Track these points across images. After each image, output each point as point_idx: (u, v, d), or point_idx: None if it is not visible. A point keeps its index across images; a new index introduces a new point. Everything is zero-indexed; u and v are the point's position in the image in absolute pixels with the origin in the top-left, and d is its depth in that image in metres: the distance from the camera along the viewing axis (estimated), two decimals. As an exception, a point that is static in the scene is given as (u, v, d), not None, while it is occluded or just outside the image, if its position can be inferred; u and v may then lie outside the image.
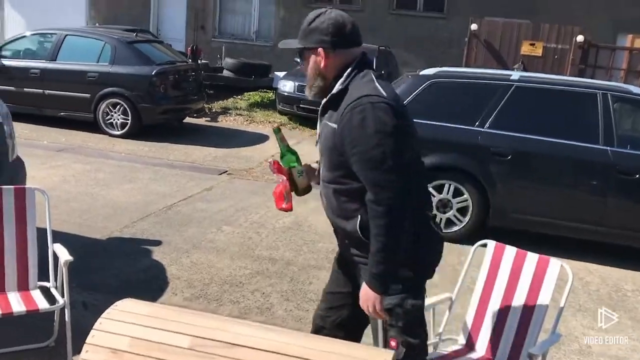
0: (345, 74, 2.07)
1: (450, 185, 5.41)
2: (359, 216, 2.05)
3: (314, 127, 10.29)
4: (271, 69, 13.71)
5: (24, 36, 9.81)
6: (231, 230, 5.29)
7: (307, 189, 2.32)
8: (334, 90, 2.08)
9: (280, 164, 2.28)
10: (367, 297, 2.05)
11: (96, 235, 4.88)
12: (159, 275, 4.24)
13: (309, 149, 9.29)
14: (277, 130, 2.34)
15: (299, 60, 2.21)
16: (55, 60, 9.08)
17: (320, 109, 2.19)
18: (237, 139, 9.60)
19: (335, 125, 2.03)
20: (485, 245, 2.87)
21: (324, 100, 2.15)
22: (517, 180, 5.36)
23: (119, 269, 4.27)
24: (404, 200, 1.94)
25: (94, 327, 1.89)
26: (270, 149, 9.02)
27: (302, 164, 2.31)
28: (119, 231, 5.03)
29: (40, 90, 9.05)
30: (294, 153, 2.31)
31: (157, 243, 4.84)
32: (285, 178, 2.27)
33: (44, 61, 9.14)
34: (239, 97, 12.94)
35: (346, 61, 2.08)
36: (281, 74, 12.33)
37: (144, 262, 4.45)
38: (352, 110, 1.96)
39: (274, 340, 1.81)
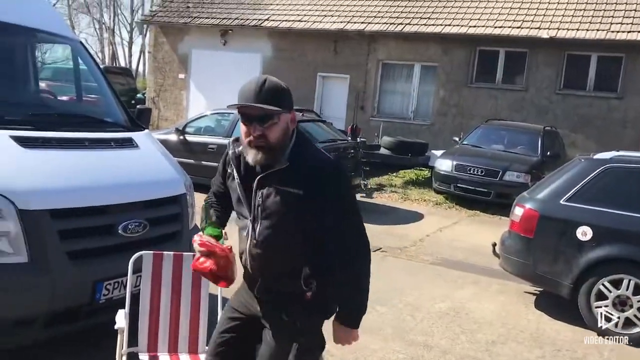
0: (294, 136, 2.20)
1: (629, 280, 4.87)
2: (304, 271, 2.19)
3: (471, 207, 9.90)
4: (428, 148, 13.75)
5: (205, 115, 10.93)
6: (385, 311, 5.20)
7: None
8: (289, 154, 2.16)
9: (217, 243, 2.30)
10: (346, 334, 2.35)
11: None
12: (313, 350, 4.25)
13: (466, 229, 8.99)
14: (208, 206, 2.43)
15: (258, 124, 2.11)
16: (230, 137, 9.92)
17: (262, 172, 2.18)
18: (391, 216, 9.62)
19: (295, 190, 2.11)
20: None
21: (277, 166, 2.15)
22: None
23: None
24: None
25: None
26: (426, 227, 8.89)
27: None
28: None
29: (216, 164, 9.88)
30: (218, 226, 2.39)
31: (313, 317, 4.89)
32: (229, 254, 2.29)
33: (220, 137, 10.04)
34: (394, 174, 13.08)
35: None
36: (438, 152, 12.30)
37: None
38: (327, 172, 2.15)
39: None
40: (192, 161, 9.91)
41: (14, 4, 4.37)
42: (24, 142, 3.43)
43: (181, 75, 18.68)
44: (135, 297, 3.14)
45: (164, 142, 8.40)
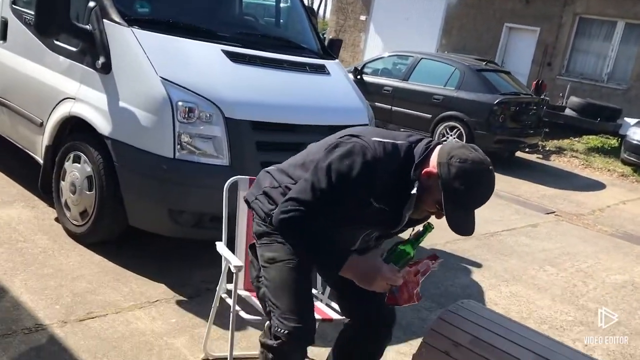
0: None
1: None
2: None
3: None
4: (621, 114, 12.48)
5: (382, 57, 10.93)
6: (555, 272, 4.96)
7: None
8: None
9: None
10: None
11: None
12: (477, 295, 4.22)
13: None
14: (430, 228, 2.08)
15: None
16: (407, 81, 9.87)
17: None
18: (568, 182, 8.99)
19: None
20: None
21: None
22: None
23: (440, 280, 4.37)
24: None
25: (439, 315, 1.97)
26: (607, 198, 8.20)
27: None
28: (442, 245, 5.16)
29: (389, 107, 9.94)
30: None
31: (477, 265, 4.83)
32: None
33: (397, 80, 10.01)
34: (577, 138, 12.12)
35: None
36: (632, 120, 11.15)
37: (463, 280, 4.49)
38: None
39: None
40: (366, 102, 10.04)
41: None
42: (233, 57, 3.72)
43: (362, 17, 18.74)
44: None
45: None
